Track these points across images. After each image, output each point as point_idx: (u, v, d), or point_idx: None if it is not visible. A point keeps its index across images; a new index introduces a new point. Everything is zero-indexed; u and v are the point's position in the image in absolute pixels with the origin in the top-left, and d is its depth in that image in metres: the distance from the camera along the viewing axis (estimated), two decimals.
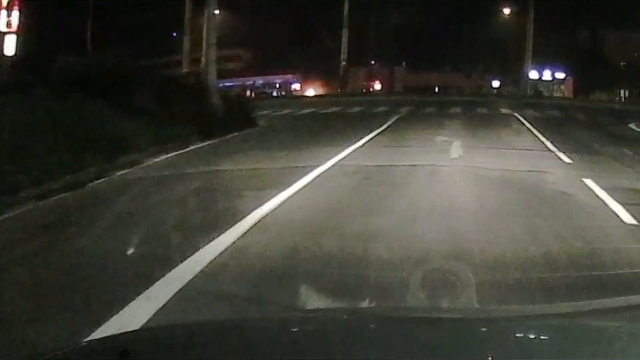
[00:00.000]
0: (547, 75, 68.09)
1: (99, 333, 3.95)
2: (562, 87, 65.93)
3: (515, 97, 41.40)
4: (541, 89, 71.15)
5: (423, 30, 62.19)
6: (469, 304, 4.38)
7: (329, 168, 11.41)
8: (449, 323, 2.01)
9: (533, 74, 69.92)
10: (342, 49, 42.20)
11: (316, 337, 1.84)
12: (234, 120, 20.24)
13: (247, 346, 1.75)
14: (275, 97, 62.45)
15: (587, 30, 60.77)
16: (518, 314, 2.66)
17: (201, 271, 5.35)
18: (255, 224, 7.05)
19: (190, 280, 5.12)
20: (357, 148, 14.73)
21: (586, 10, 52.08)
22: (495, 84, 71.09)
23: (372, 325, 1.98)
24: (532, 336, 1.89)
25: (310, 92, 63.23)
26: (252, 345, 1.75)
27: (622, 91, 60.10)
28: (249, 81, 69.03)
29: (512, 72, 60.91)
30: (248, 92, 68.49)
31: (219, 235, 6.43)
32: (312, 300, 4.72)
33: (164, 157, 13.55)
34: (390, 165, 11.84)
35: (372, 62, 71.36)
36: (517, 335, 1.90)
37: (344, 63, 42.01)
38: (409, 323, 1.99)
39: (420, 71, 70.44)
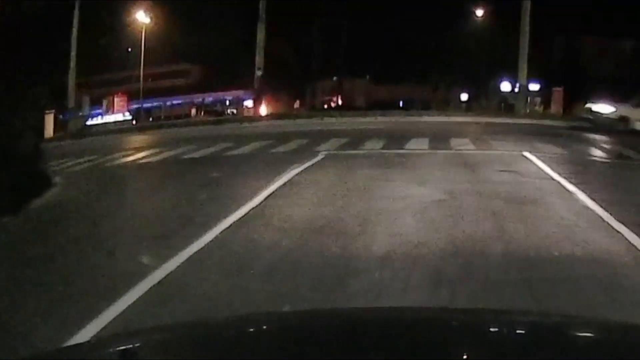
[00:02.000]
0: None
1: None
2: (537, 99, 55.13)
3: (492, 113, 28.17)
4: (513, 101, 60.14)
5: (388, 40, 52.08)
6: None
7: None
8: (449, 323, 1.78)
9: (505, 86, 58.85)
10: (257, 53, 27.30)
11: (316, 337, 1.62)
12: None
13: (247, 346, 1.58)
14: (226, 115, 50.63)
15: (562, 37, 49.70)
16: (518, 315, 2.27)
17: None
18: None
19: None
20: None
21: (561, 15, 41.11)
22: (464, 97, 61.47)
23: (372, 325, 1.73)
24: (531, 336, 1.66)
25: (263, 110, 50.85)
26: (253, 345, 1.59)
27: None
28: (197, 98, 56.32)
29: (483, 84, 50.13)
30: (193, 111, 55.66)
31: None
32: None
33: None
34: None
35: (335, 77, 60.57)
36: (517, 335, 1.68)
37: (259, 73, 27.08)
38: (408, 323, 1.75)
39: (385, 84, 60.15)
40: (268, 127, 20.55)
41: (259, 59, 24.76)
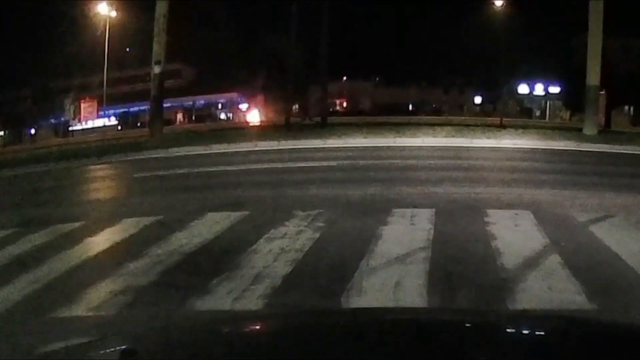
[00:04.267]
0: (539, 89, 47.69)
1: None
2: (559, 103, 45.47)
3: (533, 132, 17.62)
4: (529, 105, 50.63)
5: (396, 39, 43.10)
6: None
7: None
8: (448, 324, 1.56)
9: (523, 88, 49.26)
10: (154, 39, 15.72)
11: (316, 337, 1.43)
12: None
13: (247, 346, 1.40)
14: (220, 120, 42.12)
15: (581, 36, 40.12)
16: (517, 315, 2.17)
17: None
18: None
19: None
20: None
21: (581, 13, 31.59)
22: (477, 100, 51.99)
23: (371, 326, 1.52)
24: (531, 337, 1.48)
25: (254, 115, 41.59)
26: (253, 345, 1.41)
27: (627, 108, 40.67)
28: (187, 102, 46.78)
29: (498, 86, 40.63)
30: (180, 116, 46.09)
31: None
32: None
33: None
34: None
35: (344, 77, 51.42)
36: (516, 336, 1.49)
37: (157, 69, 15.40)
38: (408, 324, 1.55)
39: (393, 86, 50.71)
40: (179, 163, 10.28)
41: (157, 48, 14.51)
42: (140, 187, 8.42)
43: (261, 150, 11.97)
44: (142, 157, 11.67)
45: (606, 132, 15.67)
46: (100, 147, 14.13)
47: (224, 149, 12.09)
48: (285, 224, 5.46)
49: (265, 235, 5.08)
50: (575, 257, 4.42)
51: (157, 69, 14.52)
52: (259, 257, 4.47)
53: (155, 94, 14.68)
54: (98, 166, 11.04)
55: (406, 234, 5.09)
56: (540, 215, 5.78)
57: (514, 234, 5.07)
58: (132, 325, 3.25)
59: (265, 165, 9.65)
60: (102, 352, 1.42)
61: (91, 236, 5.55)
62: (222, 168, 9.45)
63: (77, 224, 6.13)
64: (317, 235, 5.05)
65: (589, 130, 14.09)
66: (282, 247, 4.72)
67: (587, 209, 6.19)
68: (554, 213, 5.97)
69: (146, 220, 6.03)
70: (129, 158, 11.66)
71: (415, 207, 6.25)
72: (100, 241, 5.39)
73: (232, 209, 6.25)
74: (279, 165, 9.68)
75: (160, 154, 11.83)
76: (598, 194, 7.06)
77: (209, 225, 5.61)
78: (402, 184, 7.67)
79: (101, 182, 9.20)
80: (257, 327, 1.58)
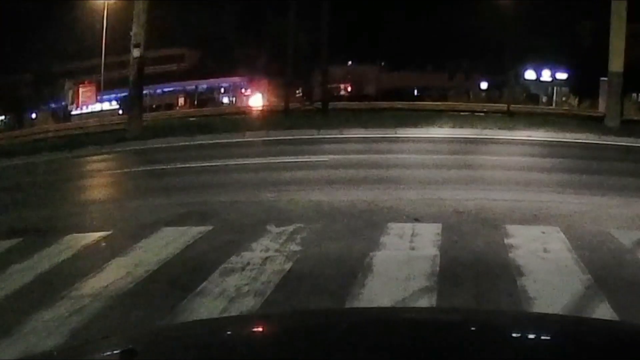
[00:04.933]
0: (546, 75, 46.13)
1: None
2: (565, 89, 43.97)
3: (544, 120, 16.06)
4: (535, 91, 49.20)
5: (401, 23, 41.78)
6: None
7: None
8: (448, 324, 1.50)
9: (530, 74, 47.87)
10: (134, 20, 13.87)
11: (316, 337, 1.39)
12: None
13: (247, 346, 1.35)
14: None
15: (588, 22, 38.94)
16: (518, 316, 2.03)
17: None
18: None
19: None
20: None
21: None
22: (483, 85, 50.53)
23: (372, 326, 1.47)
24: (531, 337, 1.42)
25: (257, 100, 40.45)
26: (253, 345, 1.36)
27: (635, 96, 38.68)
28: (190, 86, 45.58)
29: (504, 71, 39.03)
30: (181, 101, 44.83)
31: None
32: None
33: None
34: None
35: (349, 62, 50.21)
36: (516, 336, 1.43)
37: (136, 53, 13.63)
38: (408, 324, 1.49)
39: (398, 71, 49.55)
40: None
41: (137, 29, 13.01)
42: (102, 189, 7.25)
43: (249, 142, 10.69)
44: (117, 150, 10.44)
45: (627, 123, 14.24)
46: (77, 137, 12.89)
47: (208, 140, 10.81)
48: (251, 247, 4.25)
49: (223, 266, 3.87)
50: (633, 307, 3.19)
51: (136, 53, 13.14)
52: (205, 306, 3.27)
53: (133, 79, 13.33)
54: (66, 162, 9.84)
55: (404, 264, 3.87)
56: (572, 234, 4.56)
57: (544, 266, 3.84)
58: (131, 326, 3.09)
59: (249, 161, 8.40)
60: (102, 352, 1.35)
61: (20, 262, 4.37)
62: (198, 164, 8.23)
63: (13, 242, 4.96)
64: (288, 266, 3.84)
65: (612, 121, 12.63)
66: (240, 286, 3.52)
67: (626, 224, 4.96)
68: (588, 231, 4.74)
69: (90, 238, 4.85)
70: (103, 151, 10.44)
71: (416, 220, 5.02)
72: (26, 270, 4.20)
73: (193, 222, 5.05)
74: (264, 160, 8.44)
75: (138, 146, 10.59)
76: (634, 202, 5.82)
77: (160, 247, 4.42)
78: (402, 186, 6.43)
79: (63, 183, 7.98)
80: (257, 328, 1.52)
